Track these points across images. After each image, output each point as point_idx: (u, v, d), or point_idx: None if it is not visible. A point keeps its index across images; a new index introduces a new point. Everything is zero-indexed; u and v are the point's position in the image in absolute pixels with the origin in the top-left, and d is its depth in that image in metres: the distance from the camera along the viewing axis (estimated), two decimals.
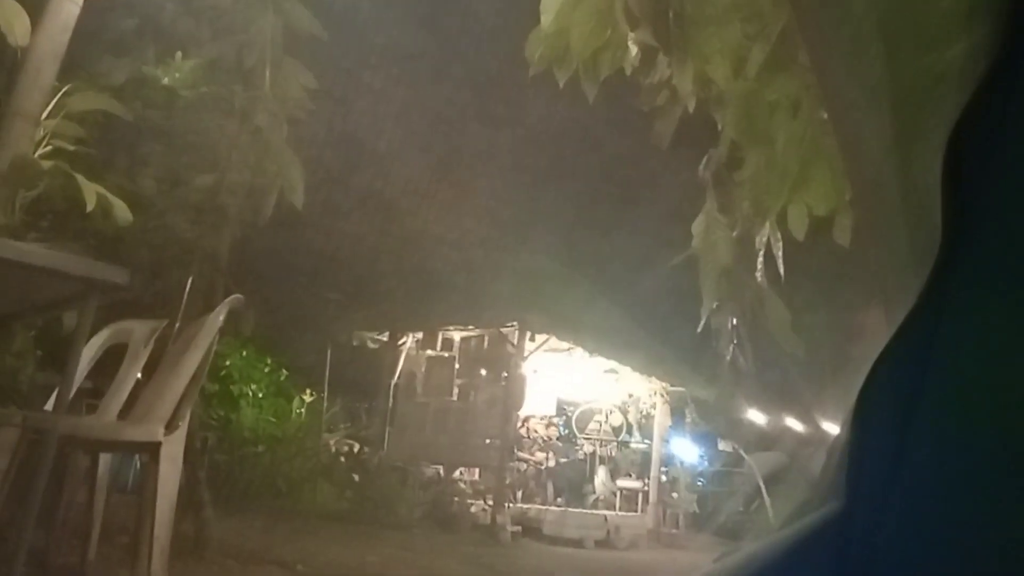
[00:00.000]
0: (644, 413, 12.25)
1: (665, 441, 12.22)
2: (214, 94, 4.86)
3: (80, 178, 3.83)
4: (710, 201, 3.49)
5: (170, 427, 2.93)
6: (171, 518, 2.95)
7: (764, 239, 3.34)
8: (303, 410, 10.98)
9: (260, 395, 10.37)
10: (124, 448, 3.39)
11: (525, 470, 10.74)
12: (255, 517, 6.95)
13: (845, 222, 2.94)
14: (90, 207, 3.86)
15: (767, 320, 3.34)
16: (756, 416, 11.49)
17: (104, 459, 3.39)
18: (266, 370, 10.47)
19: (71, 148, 4.02)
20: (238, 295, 3.30)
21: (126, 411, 3.49)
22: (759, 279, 3.31)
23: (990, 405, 0.65)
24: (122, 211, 4.02)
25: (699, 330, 3.43)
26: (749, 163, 3.25)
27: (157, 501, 2.86)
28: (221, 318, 3.12)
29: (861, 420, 0.69)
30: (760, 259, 3.30)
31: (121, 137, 4.63)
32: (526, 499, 10.28)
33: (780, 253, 3.46)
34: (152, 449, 2.89)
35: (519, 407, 10.02)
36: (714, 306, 3.53)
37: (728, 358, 3.42)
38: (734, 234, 3.48)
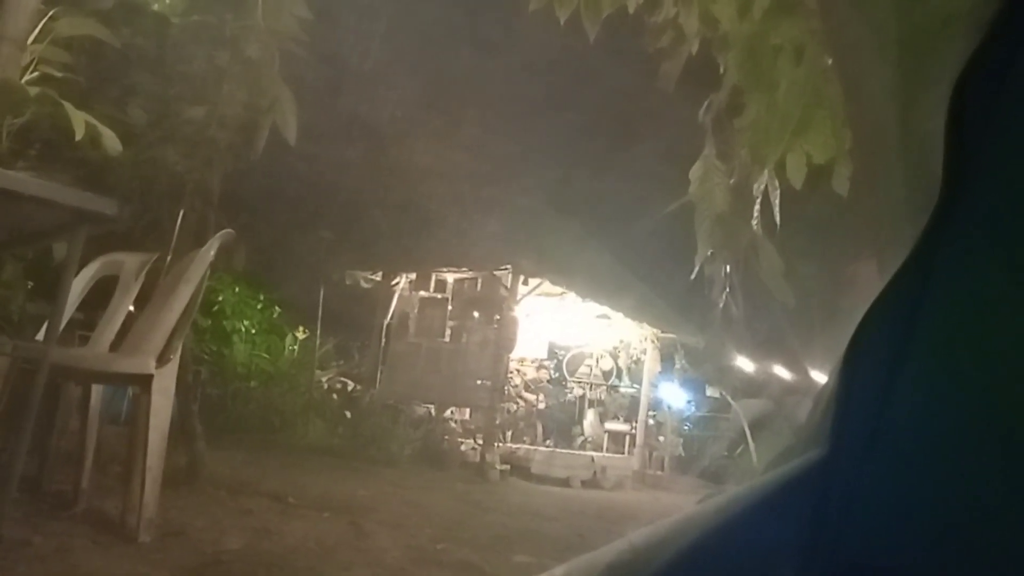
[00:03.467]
0: (634, 358, 12.37)
1: (653, 386, 12.37)
2: (205, 23, 4.73)
3: (68, 106, 3.75)
4: (709, 147, 3.45)
5: (162, 360, 2.94)
6: (163, 449, 2.98)
7: (761, 187, 3.31)
8: (296, 347, 11.05)
9: (253, 331, 10.42)
10: (116, 380, 3.41)
11: (515, 411, 10.88)
12: (247, 450, 7.04)
13: (844, 172, 2.91)
14: (79, 136, 3.79)
15: (760, 269, 3.33)
16: (745, 363, 11.61)
17: (96, 390, 3.41)
18: (258, 307, 10.49)
19: (58, 75, 3.92)
20: (229, 230, 3.28)
21: (118, 343, 3.50)
22: (755, 227, 3.29)
23: (976, 359, 0.65)
24: (111, 141, 3.95)
25: (692, 277, 3.43)
26: (750, 109, 3.20)
27: (149, 432, 2.89)
28: (212, 252, 3.10)
29: (848, 369, 0.69)
30: (756, 207, 3.28)
31: (109, 65, 4.52)
32: (515, 439, 10.44)
33: (777, 202, 3.44)
34: (144, 381, 2.90)
35: (511, 349, 10.09)
36: (708, 253, 3.52)
37: (721, 306, 3.42)
38: (731, 181, 3.45)
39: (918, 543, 0.68)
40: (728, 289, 3.45)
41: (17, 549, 2.51)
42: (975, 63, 0.63)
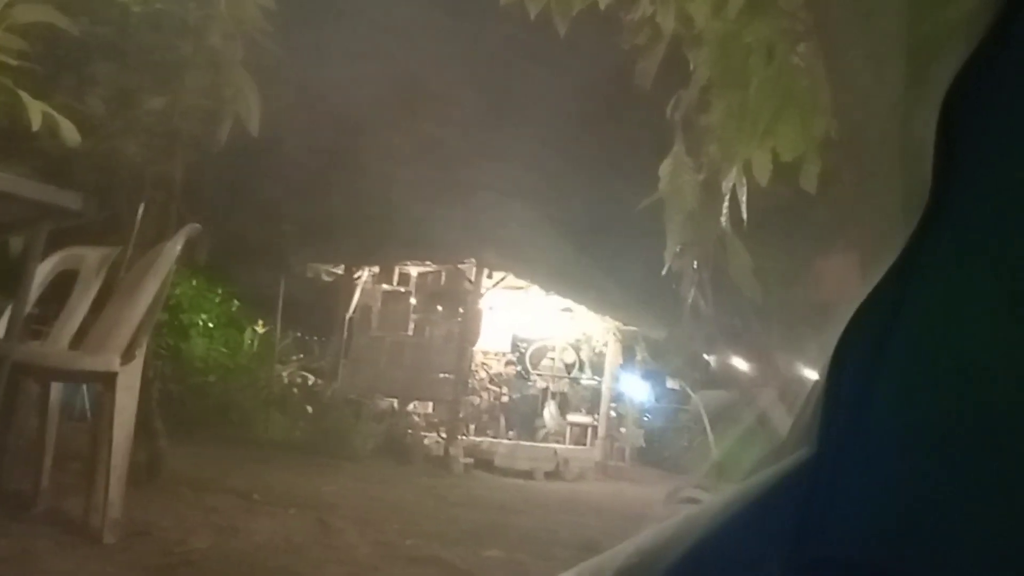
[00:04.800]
0: (596, 351, 12.46)
1: (615, 378, 12.48)
2: (166, 11, 4.61)
3: (25, 95, 3.63)
4: (678, 144, 3.48)
5: (126, 357, 2.88)
6: (128, 447, 2.92)
7: (730, 184, 3.36)
8: (255, 341, 10.89)
9: (211, 325, 10.24)
10: (79, 377, 3.33)
11: (479, 404, 10.88)
12: (207, 446, 6.94)
13: (812, 169, 2.96)
14: (36, 126, 3.67)
15: (729, 264, 3.38)
16: (707, 356, 11.77)
17: (56, 387, 3.32)
18: (217, 300, 10.32)
19: (14, 63, 3.79)
20: (195, 224, 3.22)
21: (77, 339, 3.41)
22: (723, 223, 3.34)
23: (958, 359, 0.67)
24: (70, 132, 3.83)
25: (664, 273, 3.47)
26: (718, 106, 3.25)
27: (113, 431, 2.83)
28: (178, 247, 3.04)
29: (836, 368, 0.70)
30: (725, 204, 3.32)
31: (68, 54, 4.38)
32: (479, 432, 10.45)
33: (744, 198, 3.49)
34: (108, 379, 2.84)
35: (475, 343, 10.09)
36: (677, 249, 3.56)
37: (689, 301, 3.47)
38: (700, 178, 3.50)
39: (903, 540, 0.70)
40: (697, 284, 3.49)
41: None
42: (967, 70, 0.65)
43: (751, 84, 2.76)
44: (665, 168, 3.53)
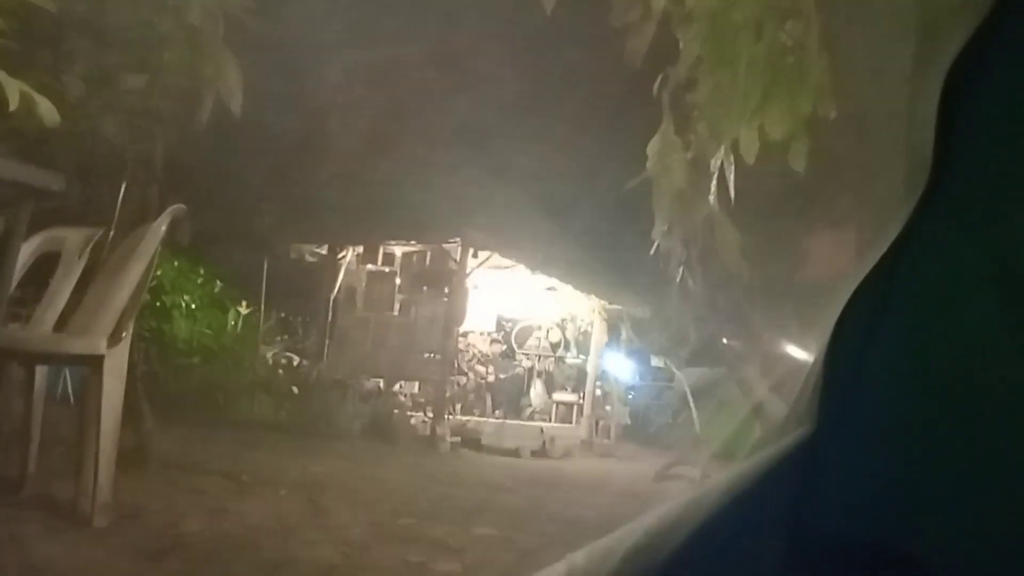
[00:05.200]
0: (581, 330, 12.50)
1: (600, 357, 12.54)
2: None
3: (1, 74, 3.54)
4: (667, 122, 3.48)
5: (113, 340, 2.85)
6: (116, 431, 2.90)
7: (718, 162, 3.36)
8: (239, 322, 10.83)
9: (193, 306, 10.17)
10: (65, 361, 3.30)
11: (465, 383, 10.90)
12: (193, 428, 6.91)
13: (800, 147, 2.97)
14: (13, 106, 3.59)
15: (717, 243, 3.39)
16: (693, 333, 11.84)
17: (40, 371, 3.28)
18: (199, 281, 10.24)
19: None
20: (180, 205, 3.17)
21: (61, 322, 3.37)
22: (712, 202, 3.34)
23: (951, 339, 0.68)
24: (48, 111, 3.74)
25: (652, 252, 3.47)
26: (705, 85, 3.24)
27: (102, 414, 2.80)
28: (164, 228, 3.01)
29: (833, 347, 0.71)
30: (714, 182, 3.33)
31: (43, 30, 4.28)
32: (465, 412, 10.47)
33: (732, 176, 3.49)
34: (95, 362, 2.81)
35: (460, 323, 10.08)
36: (665, 228, 3.56)
37: (678, 280, 3.48)
38: (688, 156, 3.49)
39: (899, 516, 0.71)
40: (685, 263, 3.50)
41: None
42: (967, 51, 0.65)
43: (740, 62, 2.75)
44: (653, 147, 3.52)
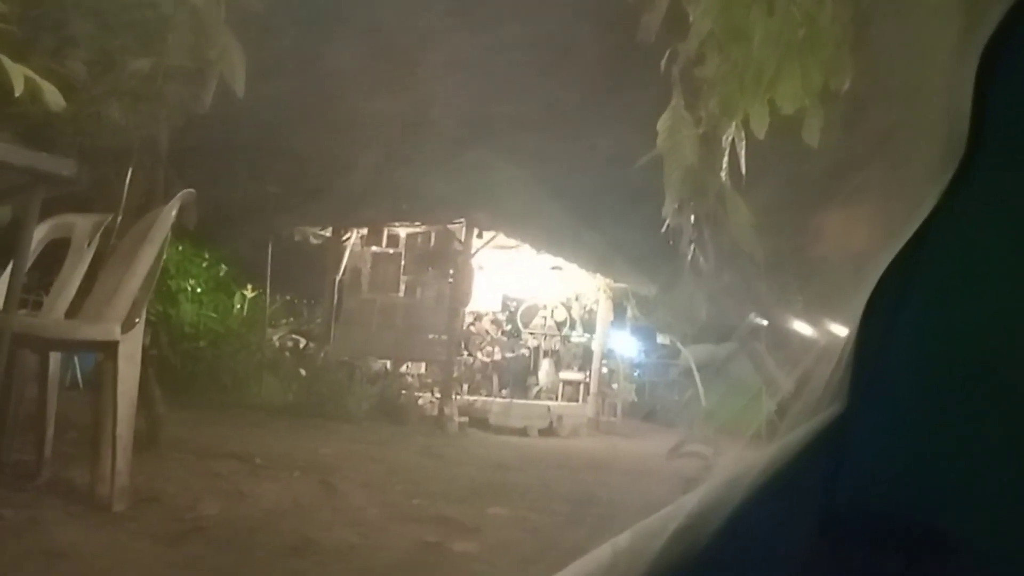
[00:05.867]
0: (587, 308, 12.50)
1: (606, 335, 12.55)
2: None
3: (5, 59, 3.51)
4: (676, 98, 3.44)
5: (127, 325, 2.85)
6: (132, 416, 2.91)
7: (729, 138, 3.33)
8: (245, 305, 10.84)
9: (199, 290, 10.18)
10: (79, 347, 3.30)
11: (472, 363, 10.92)
12: (202, 411, 6.94)
13: (814, 122, 2.94)
14: (18, 91, 3.56)
15: (728, 220, 3.37)
16: (700, 311, 11.84)
17: (54, 357, 3.28)
18: (204, 265, 10.24)
19: None
20: (190, 189, 3.15)
21: (73, 309, 3.37)
22: (723, 179, 3.32)
23: (979, 316, 0.67)
24: (53, 96, 3.72)
25: (664, 230, 3.45)
26: (712, 60, 3.20)
27: (118, 400, 2.81)
28: (174, 212, 2.99)
29: (865, 325, 0.71)
30: (725, 159, 3.30)
31: (46, 14, 4.25)
32: (472, 391, 10.50)
33: (743, 152, 3.46)
34: (109, 348, 2.81)
35: (466, 303, 10.08)
36: (676, 206, 3.54)
37: (689, 257, 3.46)
38: (699, 132, 3.46)
39: (929, 490, 0.71)
40: (696, 240, 3.48)
41: None
42: (1004, 26, 0.64)
43: (754, 36, 2.71)
44: (663, 123, 3.49)
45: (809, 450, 0.76)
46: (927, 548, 0.67)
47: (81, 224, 3.51)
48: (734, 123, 3.28)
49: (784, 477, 0.76)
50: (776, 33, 2.64)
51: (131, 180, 4.44)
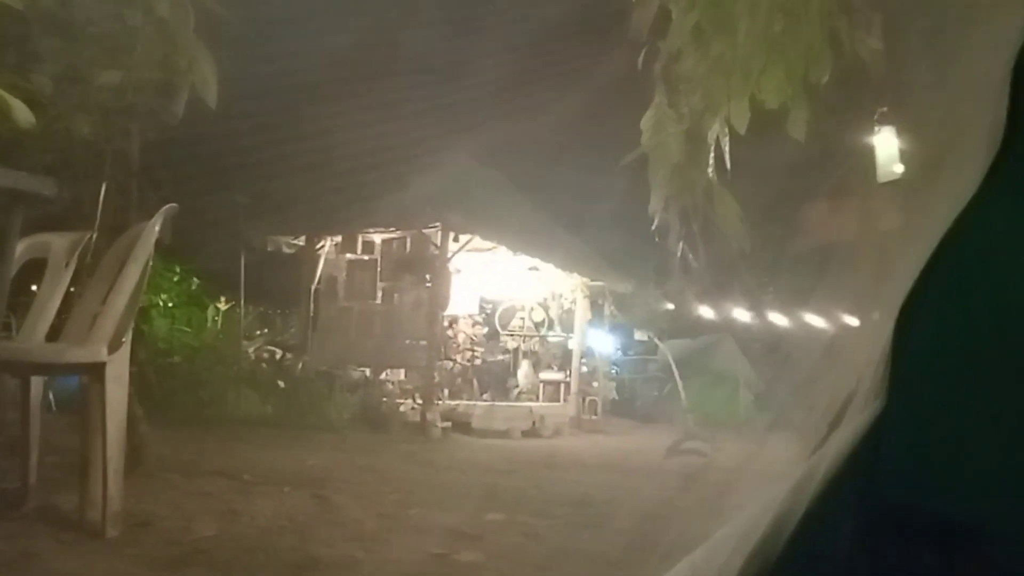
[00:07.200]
0: (565, 308, 12.51)
1: (585, 334, 12.57)
2: None
3: None
4: (660, 96, 3.44)
5: (113, 346, 2.77)
6: (122, 439, 2.83)
7: (715, 134, 3.34)
8: (219, 318, 10.69)
9: (171, 305, 10.02)
10: (64, 371, 3.20)
11: (452, 368, 10.87)
12: (181, 428, 6.80)
13: (800, 115, 2.95)
14: None
15: (716, 214, 3.38)
16: (671, 306, 11.92)
17: (36, 381, 3.18)
18: (175, 279, 10.07)
19: None
20: (172, 204, 3.08)
21: (53, 331, 3.27)
22: (710, 174, 3.32)
23: (1021, 313, 0.67)
24: (23, 112, 3.61)
25: (653, 228, 3.45)
26: (699, 55, 3.20)
27: (107, 423, 2.73)
28: (157, 228, 2.92)
29: (903, 324, 0.70)
30: (712, 154, 3.31)
31: (9, 29, 4.12)
32: (453, 396, 10.46)
33: (727, 147, 3.47)
34: (96, 370, 2.73)
35: (445, 308, 10.03)
36: (662, 204, 3.54)
37: (678, 254, 3.46)
38: (683, 128, 3.47)
39: (967, 488, 0.71)
40: (684, 237, 3.48)
41: None
42: None
43: (739, 30, 2.72)
44: (647, 121, 3.49)
45: (854, 448, 0.75)
46: (964, 543, 0.67)
47: (58, 243, 3.41)
48: (719, 118, 3.29)
49: (836, 477, 0.76)
50: (762, 27, 2.65)
51: (104, 196, 4.33)
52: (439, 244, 9.81)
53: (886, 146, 3.15)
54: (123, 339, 2.80)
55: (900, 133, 2.83)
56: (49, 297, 3.26)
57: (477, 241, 10.17)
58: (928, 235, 0.74)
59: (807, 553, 0.75)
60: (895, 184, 2.95)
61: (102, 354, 2.70)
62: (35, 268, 3.51)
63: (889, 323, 0.76)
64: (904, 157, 2.76)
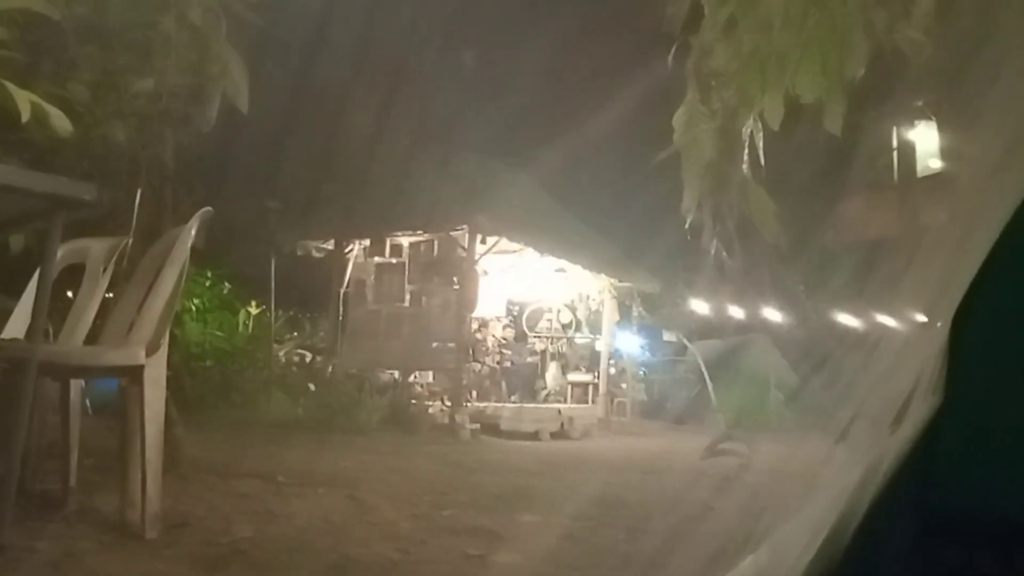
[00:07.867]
0: (592, 309, 12.47)
1: (613, 335, 12.52)
2: None
3: (10, 86, 3.47)
4: (692, 92, 3.41)
5: (151, 349, 2.80)
6: (160, 441, 2.85)
7: (748, 130, 3.30)
8: (250, 322, 10.80)
9: (203, 309, 10.14)
10: (103, 373, 3.24)
11: (480, 370, 10.88)
12: (214, 431, 6.88)
13: (836, 109, 2.91)
14: (25, 117, 3.52)
15: (750, 211, 3.34)
16: (701, 306, 11.83)
17: (75, 384, 3.23)
18: (207, 284, 10.20)
19: None
20: (208, 208, 3.10)
21: (92, 334, 3.32)
22: (744, 171, 3.28)
23: None
24: (60, 120, 3.68)
25: (686, 226, 3.42)
26: (732, 50, 3.17)
27: (145, 425, 2.76)
28: (193, 231, 2.94)
29: (960, 323, 0.69)
30: (745, 151, 3.27)
31: (46, 38, 4.20)
32: (481, 398, 10.47)
33: (761, 143, 3.43)
34: (135, 372, 2.76)
35: (472, 310, 10.05)
36: (695, 203, 3.51)
37: (712, 253, 3.42)
38: (716, 125, 3.43)
39: (1021, 488, 0.70)
40: (719, 235, 3.45)
41: (23, 557, 2.38)
42: None
43: (774, 24, 2.68)
44: (679, 118, 3.46)
45: (913, 449, 0.75)
46: (1019, 545, 0.66)
47: (96, 248, 3.46)
48: (752, 114, 3.25)
49: (895, 478, 0.75)
50: (798, 22, 2.61)
51: (139, 201, 4.40)
52: (466, 246, 9.82)
53: (925, 140, 3.10)
54: (160, 342, 2.83)
55: (943, 128, 2.77)
56: (87, 301, 3.31)
57: (504, 243, 10.18)
58: (984, 235, 0.72)
59: (868, 553, 0.75)
60: (934, 179, 2.90)
61: (140, 357, 2.73)
62: (70, 275, 3.57)
63: (944, 323, 0.75)
64: (948, 153, 2.70)
